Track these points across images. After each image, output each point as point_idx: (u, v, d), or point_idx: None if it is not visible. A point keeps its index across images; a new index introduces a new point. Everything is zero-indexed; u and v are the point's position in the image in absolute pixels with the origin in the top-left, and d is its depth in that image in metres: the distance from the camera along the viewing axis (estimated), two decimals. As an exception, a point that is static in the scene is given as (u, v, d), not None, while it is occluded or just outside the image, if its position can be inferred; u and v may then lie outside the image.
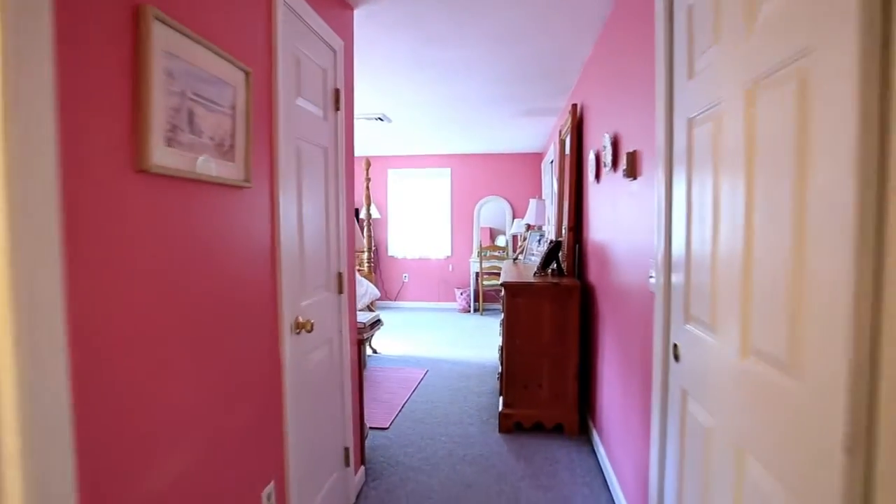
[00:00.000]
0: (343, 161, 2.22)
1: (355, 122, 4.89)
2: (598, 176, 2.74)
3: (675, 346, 1.49)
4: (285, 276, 1.65)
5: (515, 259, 4.42)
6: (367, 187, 5.00)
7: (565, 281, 3.04)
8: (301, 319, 1.76)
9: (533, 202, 4.74)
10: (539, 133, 5.77)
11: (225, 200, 1.31)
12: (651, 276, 1.74)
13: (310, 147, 1.90)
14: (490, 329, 6.17)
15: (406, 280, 7.80)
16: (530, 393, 3.07)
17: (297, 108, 1.79)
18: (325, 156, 2.06)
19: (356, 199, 7.51)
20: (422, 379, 4.24)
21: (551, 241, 3.42)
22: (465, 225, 7.64)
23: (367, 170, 4.99)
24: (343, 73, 2.22)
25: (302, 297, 1.81)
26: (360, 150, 7.07)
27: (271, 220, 1.58)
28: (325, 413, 2.03)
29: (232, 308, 1.35)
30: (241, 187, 1.39)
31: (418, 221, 7.76)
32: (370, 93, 3.97)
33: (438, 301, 7.74)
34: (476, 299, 7.32)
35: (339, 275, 2.19)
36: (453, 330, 6.15)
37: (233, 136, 1.33)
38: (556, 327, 2.99)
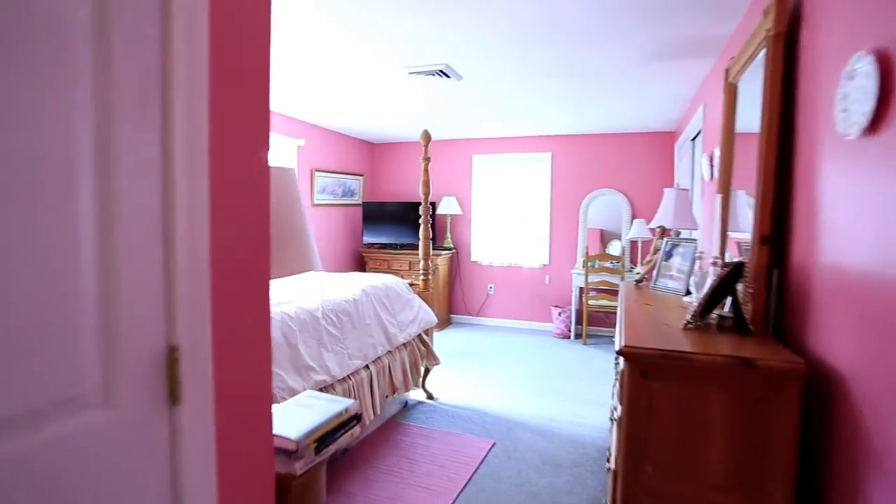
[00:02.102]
0: (204, 50, 0.84)
1: (409, 76, 3.53)
2: (880, 114, 1.10)
3: None
4: None
5: (640, 281, 2.79)
6: (426, 170, 3.62)
7: (762, 355, 1.41)
8: None
9: (670, 194, 3.06)
10: (676, 95, 4.01)
11: None
12: None
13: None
14: (596, 368, 4.51)
15: (491, 292, 6.35)
16: (673, 577, 1.48)
17: None
18: (97, 31, 0.69)
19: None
20: (483, 459, 2.78)
21: (724, 263, 1.80)
22: (567, 225, 6.00)
23: (427, 146, 3.61)
24: None
25: None
26: (428, 129, 5.73)
27: None
28: None
29: None
30: None
31: (509, 220, 6.26)
32: (418, 21, 2.57)
33: (530, 320, 6.18)
34: (578, 322, 5.66)
35: (171, 353, 0.82)
36: (544, 365, 4.59)
37: None
38: (741, 454, 1.38)
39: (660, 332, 1.68)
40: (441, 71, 3.34)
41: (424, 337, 3.54)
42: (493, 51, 3.02)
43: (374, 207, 6.28)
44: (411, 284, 3.65)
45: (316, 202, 5.57)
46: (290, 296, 2.58)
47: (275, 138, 4.82)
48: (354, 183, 6.38)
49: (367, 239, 6.29)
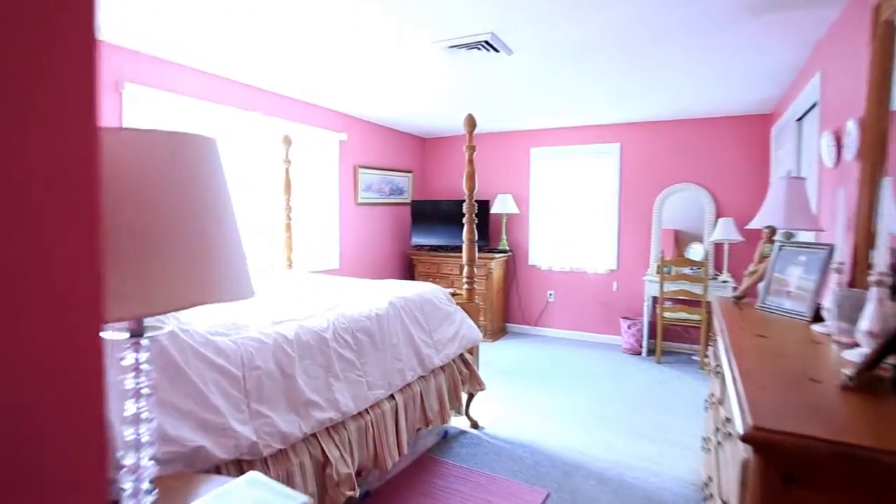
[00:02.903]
0: None
1: (451, 52, 3.03)
2: None
3: None
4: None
5: (740, 298, 2.14)
6: (471, 160, 3.10)
7: None
8: None
9: (780, 184, 2.35)
10: (777, 64, 3.26)
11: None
12: None
13: None
14: (674, 393, 3.81)
15: (551, 299, 5.73)
16: None
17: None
18: None
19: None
20: (533, 519, 2.22)
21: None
22: (638, 226, 5.27)
23: (471, 133, 3.10)
24: None
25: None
26: (479, 120, 5.19)
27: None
28: None
29: None
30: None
31: (571, 219, 5.62)
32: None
33: (594, 332, 5.51)
34: (651, 336, 4.93)
35: None
36: (611, 388, 3.94)
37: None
38: None
39: (802, 393, 1.07)
40: (486, 42, 2.81)
41: (467, 357, 3.02)
42: (548, 14, 2.45)
43: (424, 206, 5.83)
44: (454, 294, 3.15)
45: (360, 201, 5.20)
46: (293, 312, 2.14)
47: (313, 132, 4.46)
48: (403, 180, 5.96)
49: (416, 240, 5.85)
